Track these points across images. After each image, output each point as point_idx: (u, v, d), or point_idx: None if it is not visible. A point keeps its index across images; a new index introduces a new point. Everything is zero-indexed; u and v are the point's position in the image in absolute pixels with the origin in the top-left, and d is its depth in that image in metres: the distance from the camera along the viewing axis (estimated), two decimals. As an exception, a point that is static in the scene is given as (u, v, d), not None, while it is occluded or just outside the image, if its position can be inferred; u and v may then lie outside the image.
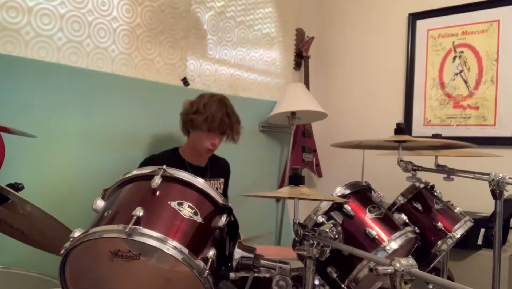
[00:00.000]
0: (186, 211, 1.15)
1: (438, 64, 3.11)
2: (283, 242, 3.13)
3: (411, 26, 3.20)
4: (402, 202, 1.91)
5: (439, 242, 1.82)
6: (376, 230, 1.52)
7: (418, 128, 3.16)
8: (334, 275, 1.49)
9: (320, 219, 1.51)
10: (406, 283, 1.78)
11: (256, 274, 1.21)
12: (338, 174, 3.43)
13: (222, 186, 2.30)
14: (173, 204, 1.15)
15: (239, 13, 2.93)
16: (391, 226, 1.58)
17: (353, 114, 3.45)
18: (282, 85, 3.25)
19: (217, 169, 2.27)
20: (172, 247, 1.06)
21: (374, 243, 1.50)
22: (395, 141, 1.66)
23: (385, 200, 1.69)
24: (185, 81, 2.58)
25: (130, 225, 1.05)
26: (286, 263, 1.22)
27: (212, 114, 2.01)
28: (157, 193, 1.17)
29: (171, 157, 2.14)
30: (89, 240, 1.09)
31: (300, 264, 1.39)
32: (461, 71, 3.02)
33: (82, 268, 1.18)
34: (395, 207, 1.90)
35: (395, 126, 1.67)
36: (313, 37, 3.44)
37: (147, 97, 2.39)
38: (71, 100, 2.08)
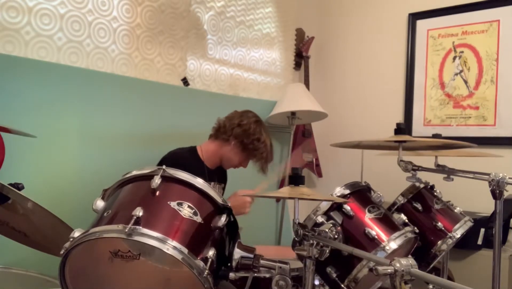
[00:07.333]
0: (186, 211, 1.15)
1: (438, 64, 3.11)
2: (283, 242, 3.13)
3: (411, 26, 3.20)
4: (402, 202, 1.90)
5: (439, 242, 1.82)
6: (375, 230, 1.52)
7: (418, 128, 3.16)
8: (334, 275, 1.49)
9: (320, 219, 1.51)
10: (406, 283, 1.78)
11: (255, 274, 1.21)
12: (338, 174, 3.43)
13: (223, 191, 2.32)
14: (173, 204, 1.15)
15: (239, 13, 2.93)
16: (391, 226, 1.58)
17: (353, 114, 3.45)
18: (282, 85, 3.25)
19: (221, 174, 2.30)
20: (172, 247, 1.06)
21: (373, 243, 1.49)
22: (395, 141, 1.66)
23: (385, 200, 1.69)
24: (185, 81, 2.58)
25: (130, 225, 1.05)
26: (285, 263, 1.22)
27: (267, 153, 2.20)
28: (157, 193, 1.17)
29: (192, 157, 2.14)
30: (89, 240, 1.09)
31: (300, 264, 1.39)
32: (461, 71, 3.02)
33: (82, 268, 1.18)
34: (395, 207, 1.90)
35: (395, 126, 1.67)
36: (313, 37, 3.44)
37: (147, 97, 2.39)
38: (71, 100, 2.08)
